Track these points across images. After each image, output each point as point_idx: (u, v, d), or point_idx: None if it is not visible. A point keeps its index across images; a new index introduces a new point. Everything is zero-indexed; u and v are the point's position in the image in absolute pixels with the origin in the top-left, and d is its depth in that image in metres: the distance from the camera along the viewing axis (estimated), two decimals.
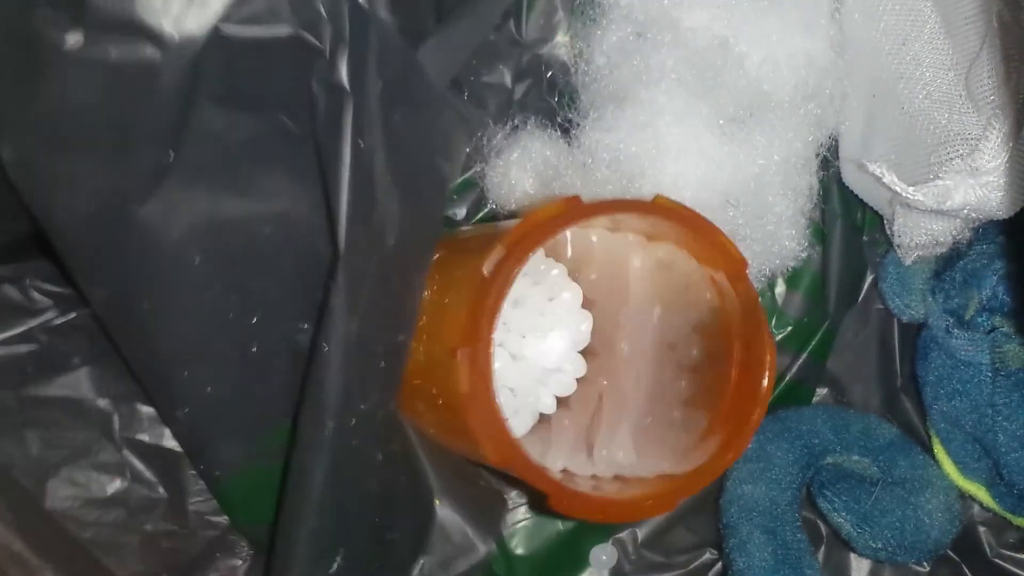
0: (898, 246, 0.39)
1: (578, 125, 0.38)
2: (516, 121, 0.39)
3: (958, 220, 0.37)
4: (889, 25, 0.37)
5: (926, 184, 0.34)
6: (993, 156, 0.33)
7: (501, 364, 0.30)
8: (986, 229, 0.39)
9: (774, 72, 0.37)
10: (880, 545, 0.39)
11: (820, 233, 0.42)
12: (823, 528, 0.43)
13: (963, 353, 0.39)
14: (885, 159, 0.37)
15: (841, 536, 0.40)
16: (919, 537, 0.39)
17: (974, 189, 0.34)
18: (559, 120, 0.39)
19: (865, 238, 0.43)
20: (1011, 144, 0.33)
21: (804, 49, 0.37)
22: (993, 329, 0.39)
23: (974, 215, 0.35)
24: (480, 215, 0.40)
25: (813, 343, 0.42)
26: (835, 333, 0.43)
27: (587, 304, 0.31)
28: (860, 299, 0.44)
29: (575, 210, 0.28)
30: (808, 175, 0.39)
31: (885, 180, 0.35)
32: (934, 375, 0.40)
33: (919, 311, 0.41)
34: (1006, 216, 0.35)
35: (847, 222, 0.42)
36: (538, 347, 0.31)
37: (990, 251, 0.39)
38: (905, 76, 0.37)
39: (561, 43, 0.40)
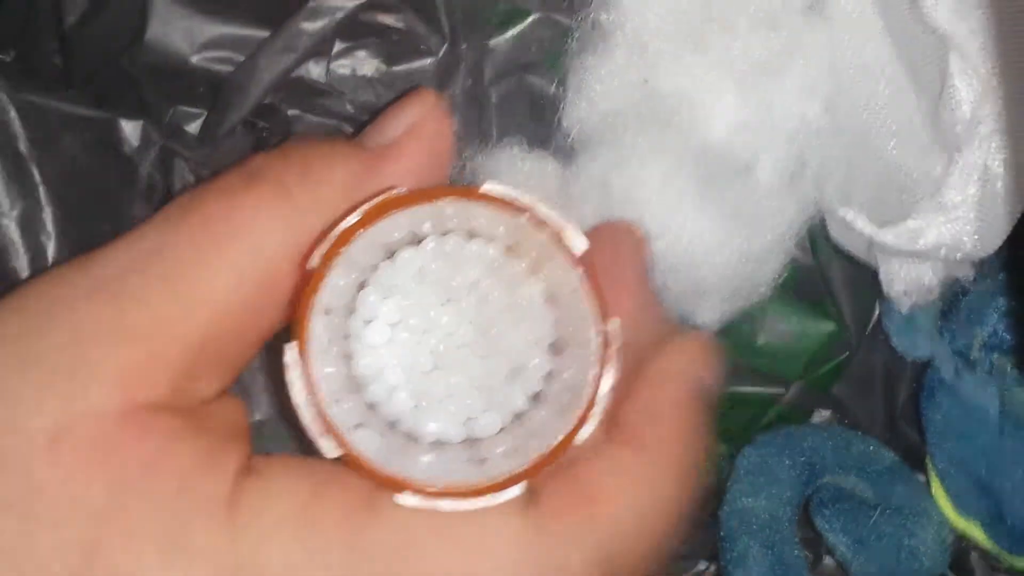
0: (888, 295, 0.39)
1: (568, 154, 0.39)
2: (504, 142, 0.39)
3: (940, 263, 0.36)
4: (861, 85, 0.37)
5: (896, 225, 0.34)
6: (959, 190, 0.33)
7: (470, 362, 0.31)
8: (989, 266, 0.38)
9: (766, 140, 0.37)
10: (874, 570, 0.40)
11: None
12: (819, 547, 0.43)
13: (971, 396, 0.38)
14: (860, 207, 0.37)
15: (835, 556, 0.40)
16: (912, 565, 0.39)
17: (946, 227, 0.34)
18: (552, 147, 0.39)
19: None
20: (976, 177, 0.33)
21: (800, 116, 0.37)
22: (998, 371, 0.39)
23: (953, 255, 0.35)
24: None
25: (823, 371, 0.43)
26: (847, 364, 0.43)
27: (551, 299, 0.31)
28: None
29: (393, 202, 0.28)
30: (790, 246, 0.39)
31: (857, 225, 0.34)
32: (940, 416, 0.40)
33: (925, 351, 0.40)
34: (984, 255, 0.35)
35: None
36: (503, 345, 0.31)
37: (992, 288, 0.39)
38: (876, 130, 0.37)
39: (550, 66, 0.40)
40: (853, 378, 0.43)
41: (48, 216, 0.35)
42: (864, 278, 0.41)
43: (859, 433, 0.42)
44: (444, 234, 0.31)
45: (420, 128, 0.30)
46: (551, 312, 0.31)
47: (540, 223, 0.28)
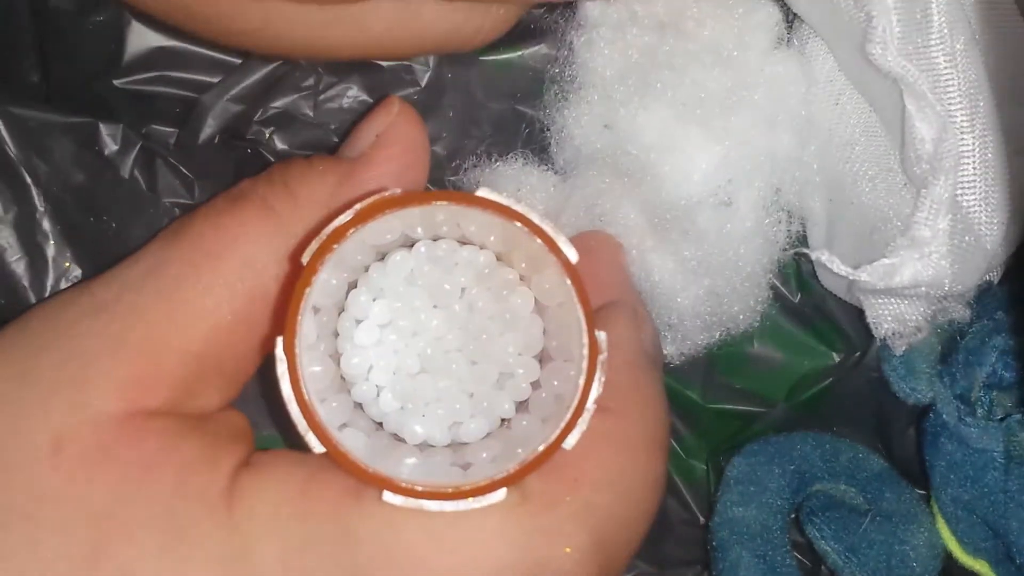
0: (878, 337, 0.38)
1: (560, 174, 0.39)
2: (507, 156, 0.40)
3: (923, 301, 0.36)
4: (836, 134, 0.38)
5: (870, 264, 0.34)
6: (930, 226, 0.34)
7: (458, 367, 0.31)
8: (985, 306, 0.39)
9: (737, 175, 0.37)
10: None
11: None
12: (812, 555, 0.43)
13: (975, 439, 0.38)
14: (840, 249, 0.37)
15: (827, 564, 0.40)
16: (903, 572, 0.40)
17: (921, 263, 0.34)
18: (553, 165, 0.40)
19: None
20: (944, 211, 0.33)
21: (768, 148, 0.37)
22: (999, 409, 0.39)
23: (935, 292, 0.35)
24: None
25: (806, 396, 0.42)
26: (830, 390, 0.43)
27: (540, 309, 0.31)
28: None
29: (386, 203, 0.28)
30: (768, 281, 0.39)
31: (832, 267, 0.35)
32: (944, 461, 0.39)
33: (926, 395, 0.40)
34: (964, 289, 0.35)
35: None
36: (492, 351, 0.31)
37: (989, 328, 0.39)
38: (853, 175, 0.37)
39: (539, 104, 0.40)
40: (843, 407, 0.43)
41: (44, 218, 0.35)
42: (856, 308, 0.41)
43: (847, 440, 0.42)
44: (436, 239, 0.31)
45: (390, 134, 0.31)
46: (539, 321, 0.31)
47: (532, 232, 0.29)
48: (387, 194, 0.29)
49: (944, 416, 0.39)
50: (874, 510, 0.40)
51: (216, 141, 0.38)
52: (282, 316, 0.28)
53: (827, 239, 0.39)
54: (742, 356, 0.42)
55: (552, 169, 0.40)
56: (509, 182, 0.39)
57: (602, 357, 0.29)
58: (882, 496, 0.40)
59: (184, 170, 0.38)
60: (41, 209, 0.35)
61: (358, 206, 0.28)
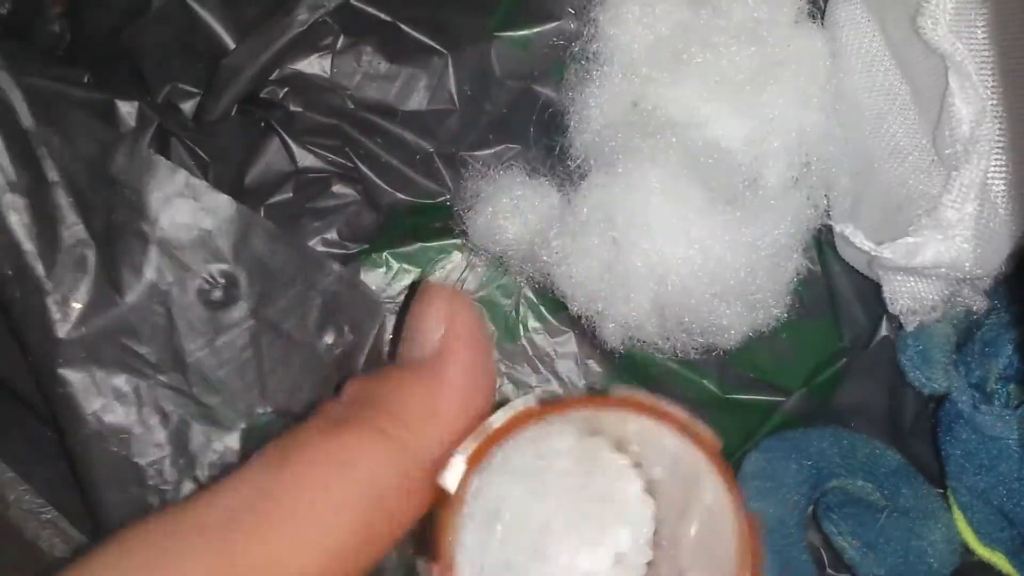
0: (892, 313, 0.38)
1: (573, 182, 0.38)
2: (505, 165, 0.39)
3: (941, 281, 0.36)
4: (867, 106, 0.37)
5: (893, 242, 0.34)
6: (957, 208, 0.33)
7: (573, 554, 0.29)
8: (1002, 298, 0.38)
9: (767, 152, 0.37)
10: (884, 572, 0.39)
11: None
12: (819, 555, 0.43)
13: (990, 428, 0.38)
14: (864, 224, 0.37)
15: (844, 559, 0.40)
16: (920, 567, 0.39)
17: (944, 244, 0.34)
18: (558, 168, 0.39)
19: None
20: (974, 195, 0.33)
21: (798, 125, 0.37)
22: (1015, 401, 0.38)
23: (954, 274, 0.35)
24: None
25: (820, 379, 0.42)
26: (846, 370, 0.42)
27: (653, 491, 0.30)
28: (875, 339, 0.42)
29: (529, 415, 0.28)
30: (798, 258, 0.39)
31: (855, 241, 0.34)
32: (959, 449, 0.39)
33: (942, 384, 0.39)
34: (985, 274, 0.35)
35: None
36: (607, 537, 0.29)
37: (1005, 320, 0.39)
38: (882, 149, 0.37)
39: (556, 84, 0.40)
40: (856, 395, 0.43)
41: (57, 191, 0.34)
42: (870, 289, 0.40)
43: (864, 436, 0.42)
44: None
45: (456, 330, 0.30)
46: (651, 504, 0.30)
47: (682, 430, 0.27)
48: (523, 409, 0.28)
49: (960, 405, 0.38)
50: (891, 506, 0.40)
51: (234, 111, 0.38)
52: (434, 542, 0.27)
53: (851, 212, 0.38)
54: (756, 345, 0.41)
55: (560, 173, 0.39)
56: (512, 191, 0.38)
57: None
58: (899, 492, 0.40)
59: (199, 151, 0.38)
60: (55, 180, 0.34)
61: (506, 417, 0.28)
